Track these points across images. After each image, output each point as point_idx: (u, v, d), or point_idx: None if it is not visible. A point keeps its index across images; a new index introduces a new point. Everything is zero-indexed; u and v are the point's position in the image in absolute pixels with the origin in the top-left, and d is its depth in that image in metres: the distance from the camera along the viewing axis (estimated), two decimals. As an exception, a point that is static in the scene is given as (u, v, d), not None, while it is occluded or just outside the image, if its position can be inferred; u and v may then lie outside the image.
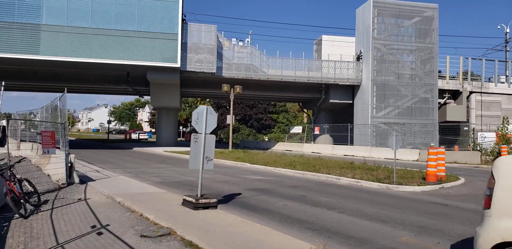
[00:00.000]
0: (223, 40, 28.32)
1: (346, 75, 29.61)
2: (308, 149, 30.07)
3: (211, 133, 7.27)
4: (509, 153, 20.58)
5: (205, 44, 26.45)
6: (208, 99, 57.92)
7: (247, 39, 31.77)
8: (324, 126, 31.62)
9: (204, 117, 7.19)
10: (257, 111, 55.48)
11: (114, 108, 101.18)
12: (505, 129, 22.00)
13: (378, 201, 8.63)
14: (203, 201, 6.93)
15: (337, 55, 30.52)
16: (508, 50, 38.01)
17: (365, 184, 11.06)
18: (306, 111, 42.99)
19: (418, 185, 10.60)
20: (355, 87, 30.06)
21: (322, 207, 7.75)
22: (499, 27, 39.31)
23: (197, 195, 7.15)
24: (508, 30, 38.22)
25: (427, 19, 28.58)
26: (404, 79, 28.57)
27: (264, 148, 32.57)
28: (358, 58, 30.01)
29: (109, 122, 57.90)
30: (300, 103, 40.47)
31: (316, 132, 32.94)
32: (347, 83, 29.79)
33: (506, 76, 31.35)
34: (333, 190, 10.25)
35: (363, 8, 29.10)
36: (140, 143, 41.37)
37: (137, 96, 57.91)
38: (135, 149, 28.80)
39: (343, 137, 28.72)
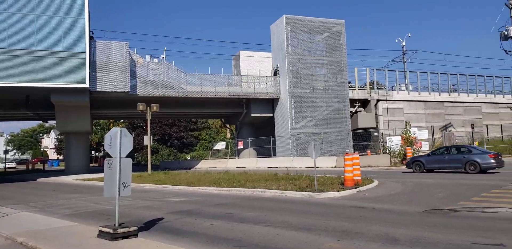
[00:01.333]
0: (136, 58, 27.52)
1: (265, 89, 30.66)
2: (232, 164, 30.22)
3: (127, 156, 6.93)
4: (413, 154, 23.08)
5: (116, 62, 25.40)
6: (122, 120, 55.28)
7: (162, 56, 31.30)
8: (248, 140, 32.16)
9: (118, 140, 6.84)
10: (177, 130, 54.46)
11: (12, 136, 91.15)
12: (408, 132, 24.69)
13: (302, 210, 8.95)
14: (122, 230, 6.51)
15: (255, 70, 31.53)
16: (405, 61, 42.95)
17: (290, 195, 11.43)
18: (229, 126, 43.34)
19: (338, 191, 11.26)
20: (275, 100, 31.23)
21: (249, 222, 7.80)
22: (396, 40, 44.35)
23: (114, 225, 6.70)
24: (404, 43, 43.28)
25: (335, 34, 31.07)
26: (319, 91, 30.49)
27: (187, 167, 31.92)
28: (276, 72, 31.36)
29: (5, 152, 51.73)
30: (222, 119, 40.72)
31: (240, 146, 33.34)
32: (267, 97, 30.84)
33: (406, 84, 35.24)
34: (259, 204, 10.39)
35: (277, 24, 30.67)
36: (46, 172, 37.63)
37: (40, 122, 52.93)
38: (40, 179, 26.06)
39: (266, 149, 29.50)
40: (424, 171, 17.59)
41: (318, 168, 21.45)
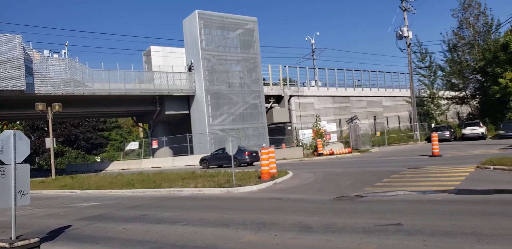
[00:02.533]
0: (32, 52, 24.86)
1: (180, 86, 30.01)
2: (147, 164, 29.16)
3: (25, 161, 6.26)
4: (323, 145, 24.78)
5: (7, 57, 22.67)
6: (18, 122, 49.73)
7: (63, 51, 28.79)
8: (163, 139, 31.25)
9: (11, 144, 6.13)
10: (85, 130, 50.72)
11: None
12: (318, 125, 26.38)
13: (220, 206, 9.01)
14: (20, 243, 5.87)
15: (168, 66, 30.64)
16: (315, 59, 45.52)
17: (208, 192, 11.41)
18: (141, 125, 41.59)
19: (255, 184, 11.56)
20: (190, 97, 30.77)
21: (166, 222, 7.61)
22: (306, 39, 46.77)
23: (11, 238, 6.01)
24: (313, 42, 45.81)
25: (249, 31, 31.58)
26: (235, 88, 30.81)
27: (96, 170, 29.98)
28: (190, 68, 30.86)
29: None
30: (134, 118, 38.93)
31: (155, 145, 32.27)
32: (182, 94, 30.23)
33: (316, 81, 37.40)
34: (176, 203, 10.19)
35: (189, 19, 30.12)
36: None
37: None
38: None
39: (183, 147, 28.98)
40: (210, 167, 22.32)
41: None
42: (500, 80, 32.30)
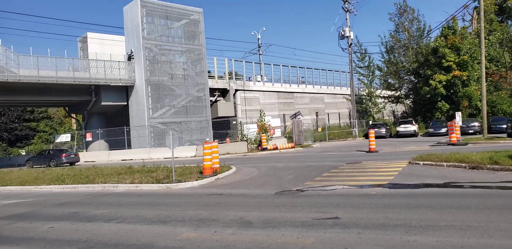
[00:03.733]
0: None
1: (118, 75, 28.61)
2: (80, 158, 27.59)
3: None
4: (267, 140, 25.12)
5: None
6: None
7: (-17, 32, 26.09)
8: (98, 131, 29.67)
9: None
10: (8, 120, 46.71)
11: None
12: (263, 120, 26.66)
13: (158, 203, 8.73)
14: None
15: (106, 55, 29.06)
16: (261, 54, 45.80)
17: (145, 187, 11.03)
18: (74, 116, 39.19)
19: (197, 180, 11.38)
20: (129, 88, 29.50)
21: (98, 220, 7.21)
22: (252, 33, 46.89)
23: None
24: (259, 37, 46.01)
25: (194, 22, 30.87)
26: (178, 79, 30.05)
27: (21, 164, 27.77)
28: (130, 58, 29.53)
29: None
30: (67, 108, 36.53)
31: (89, 138, 30.57)
32: (120, 84, 28.87)
33: (261, 76, 37.71)
34: (110, 199, 9.71)
35: (130, 6, 28.75)
36: None
37: None
38: None
39: (120, 141, 27.77)
40: (34, 167, 25.27)
41: (178, 158, 21.36)
42: (431, 81, 34.87)
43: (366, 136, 29.17)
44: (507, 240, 4.41)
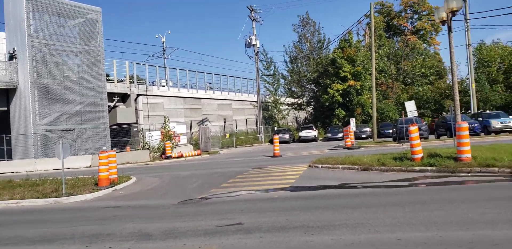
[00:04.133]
0: None
1: (-3, 77, 25.33)
2: None
3: None
4: (172, 148, 24.49)
5: None
6: None
7: None
8: (-30, 141, 25.81)
9: None
10: None
11: None
12: (167, 127, 25.94)
13: (44, 219, 7.87)
14: None
15: (-19, 52, 25.57)
16: (166, 58, 44.74)
17: (29, 203, 9.86)
18: None
19: (91, 192, 10.56)
20: (11, 91, 26.27)
21: (-35, 245, 6.21)
22: (157, 36, 45.57)
23: None
24: (164, 40, 44.92)
25: (91, 22, 28.80)
26: (71, 83, 27.70)
27: None
28: (12, 57, 26.38)
29: None
30: None
31: (-42, 149, 26.42)
32: (0, 87, 25.59)
33: (166, 80, 36.79)
34: (-16, 219, 8.46)
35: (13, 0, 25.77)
36: None
37: None
38: None
39: (-2, 151, 24.54)
40: None
41: (70, 169, 19.66)
42: (329, 90, 37.79)
43: (272, 141, 30.31)
44: (390, 234, 4.89)
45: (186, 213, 7.50)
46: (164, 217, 7.33)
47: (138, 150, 25.30)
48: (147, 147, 25.37)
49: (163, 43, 44.87)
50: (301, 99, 46.28)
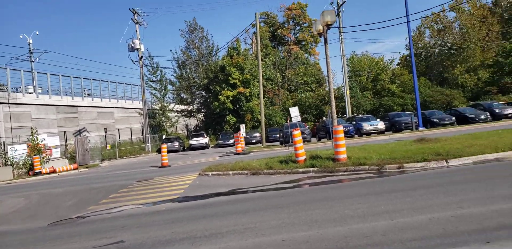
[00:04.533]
0: None
1: None
2: None
3: None
4: (42, 163, 21.91)
5: None
6: None
7: None
8: None
9: None
10: None
11: None
12: (36, 139, 22.98)
13: None
14: None
15: None
16: (33, 61, 40.14)
17: None
18: None
19: None
20: None
21: None
22: (21, 36, 40.59)
23: None
24: (31, 41, 40.28)
25: None
26: None
27: None
28: None
29: None
30: None
31: None
32: None
33: (34, 86, 32.93)
34: None
35: None
36: None
37: None
38: None
39: None
40: None
41: None
42: (220, 97, 38.36)
43: (160, 151, 29.40)
44: (276, 236, 5.05)
45: (58, 236, 6.71)
46: (30, 243, 6.45)
47: (-1, 167, 22.05)
48: (9, 163, 22.28)
49: (29, 45, 40.28)
50: (192, 106, 45.97)
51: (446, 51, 46.02)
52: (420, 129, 25.16)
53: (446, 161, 9.56)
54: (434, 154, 10.11)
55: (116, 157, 31.28)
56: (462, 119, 26.36)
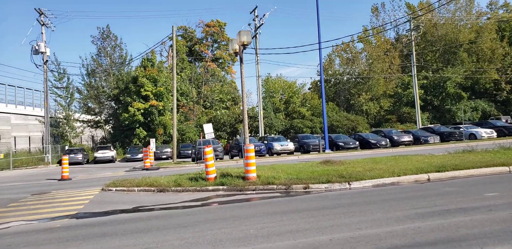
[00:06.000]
0: None
1: None
2: None
3: None
4: None
5: None
6: None
7: None
8: None
9: None
10: None
11: None
12: None
13: None
14: None
15: None
16: None
17: None
18: None
19: None
20: None
21: None
22: None
23: None
24: None
25: None
26: None
27: None
28: None
29: None
30: None
31: None
32: None
33: None
34: None
35: None
36: None
37: None
38: None
39: None
40: None
41: None
42: (130, 108, 36.81)
43: (61, 162, 27.13)
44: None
45: None
46: None
47: None
48: None
49: None
50: (99, 117, 43.32)
51: (354, 79, 50.03)
52: (327, 151, 26.76)
53: (349, 183, 10.09)
54: (338, 176, 10.65)
55: (10, 168, 28.07)
56: (365, 144, 28.56)
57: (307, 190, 9.92)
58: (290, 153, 26.62)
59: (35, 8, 34.13)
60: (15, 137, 36.88)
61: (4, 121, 36.04)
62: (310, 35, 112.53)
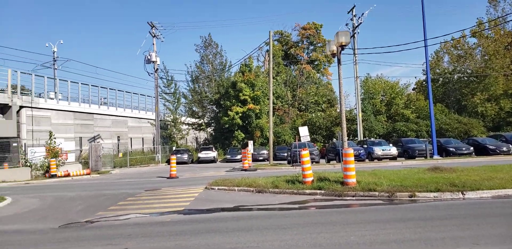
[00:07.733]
0: None
1: None
2: None
3: None
4: (57, 166, 22.30)
5: None
6: None
7: None
8: None
9: None
10: None
11: None
12: (53, 143, 23.67)
13: None
14: None
15: None
16: (56, 68, 41.14)
17: None
18: None
19: None
20: None
21: None
22: (47, 45, 41.84)
23: None
24: (55, 49, 41.41)
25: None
26: None
27: None
28: None
29: None
30: None
31: None
32: None
33: (55, 93, 33.66)
34: None
35: None
36: None
37: None
38: None
39: None
40: None
41: None
42: (229, 112, 38.58)
43: (169, 162, 29.56)
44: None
45: (67, 238, 6.82)
46: (41, 243, 6.56)
47: (18, 167, 22.48)
48: (28, 164, 22.72)
49: (54, 53, 41.41)
50: (202, 120, 46.28)
51: (466, 78, 45.27)
52: (435, 157, 24.28)
53: (462, 193, 9.17)
54: (449, 185, 9.77)
55: (127, 165, 31.50)
56: (481, 150, 25.14)
57: (412, 198, 9.25)
58: (393, 158, 24.93)
59: (147, 22, 37.95)
60: (131, 138, 41.32)
61: (122, 124, 40.64)
62: (414, 31, 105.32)
